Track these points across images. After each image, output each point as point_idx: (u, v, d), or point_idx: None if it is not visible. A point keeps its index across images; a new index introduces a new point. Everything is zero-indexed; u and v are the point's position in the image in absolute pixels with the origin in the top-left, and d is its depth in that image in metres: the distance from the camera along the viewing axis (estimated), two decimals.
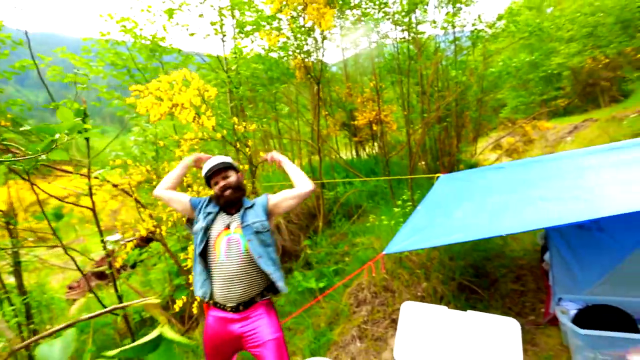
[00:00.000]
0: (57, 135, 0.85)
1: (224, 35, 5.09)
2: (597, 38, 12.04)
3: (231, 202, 1.95)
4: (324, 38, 5.37)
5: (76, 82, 3.15)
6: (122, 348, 0.45)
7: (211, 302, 1.88)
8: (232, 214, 1.95)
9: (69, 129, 0.85)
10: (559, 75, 14.25)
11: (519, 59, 8.49)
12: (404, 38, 7.80)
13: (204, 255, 1.88)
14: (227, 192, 1.93)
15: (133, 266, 5.46)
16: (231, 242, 1.86)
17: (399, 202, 4.04)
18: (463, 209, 2.75)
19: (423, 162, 7.44)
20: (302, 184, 2.02)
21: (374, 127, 7.18)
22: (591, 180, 2.29)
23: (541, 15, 18.67)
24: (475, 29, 8.76)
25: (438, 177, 3.69)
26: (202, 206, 1.99)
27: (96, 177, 2.86)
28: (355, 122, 7.32)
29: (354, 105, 7.53)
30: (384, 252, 2.72)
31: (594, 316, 2.35)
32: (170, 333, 0.46)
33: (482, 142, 10.91)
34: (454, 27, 8.36)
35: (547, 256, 3.26)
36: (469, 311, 2.08)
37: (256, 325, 1.84)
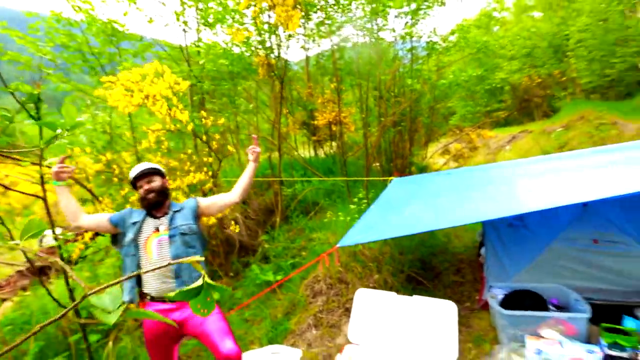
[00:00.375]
0: (58, 130, 0.92)
1: (186, 25, 5.02)
2: (534, 58, 13.49)
3: (154, 205, 2.04)
4: (289, 37, 5.50)
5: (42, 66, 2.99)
6: (177, 291, 0.58)
7: (147, 298, 1.97)
8: (159, 218, 2.04)
9: (71, 126, 0.93)
10: (502, 89, 15.70)
11: (467, 72, 9.26)
12: (365, 43, 8.15)
13: (136, 260, 1.96)
14: (151, 196, 2.03)
15: (75, 262, 5.17)
16: (162, 242, 1.97)
17: (355, 200, 4.31)
18: (412, 207, 3.06)
19: (378, 164, 7.85)
20: (239, 194, 2.15)
21: (333, 128, 7.45)
22: (518, 186, 2.71)
23: (488, 33, 20.36)
24: (430, 40, 9.39)
25: (391, 179, 4.02)
26: (124, 219, 2.05)
27: (48, 166, 2.74)
28: (315, 122, 7.53)
29: (315, 106, 7.74)
30: (338, 245, 2.96)
31: (516, 300, 2.77)
32: (210, 281, 0.59)
33: (433, 146, 11.70)
34: (411, 37, 8.91)
35: (483, 250, 3.71)
36: (414, 296, 2.37)
37: None
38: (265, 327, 3.31)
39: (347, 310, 3.22)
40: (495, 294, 2.94)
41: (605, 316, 2.48)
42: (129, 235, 1.97)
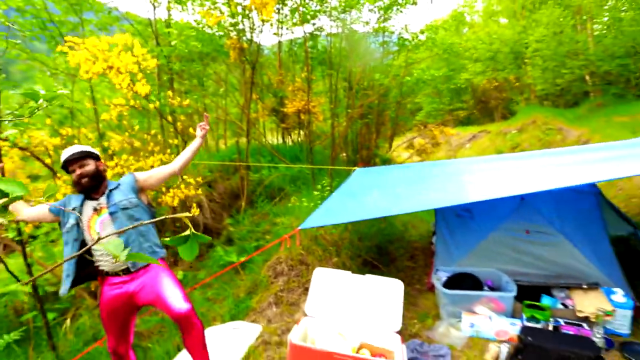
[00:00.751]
0: (40, 101, 1.01)
1: (155, 0, 4.89)
2: (497, 62, 14.33)
3: (89, 189, 2.03)
4: (263, 22, 5.53)
5: None
6: (171, 238, 0.71)
7: (103, 272, 2.01)
8: (97, 199, 2.04)
9: (50, 98, 1.02)
10: (466, 89, 16.53)
11: (431, 72, 9.70)
12: (338, 33, 8.26)
13: (78, 245, 1.97)
14: (84, 181, 1.99)
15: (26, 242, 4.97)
16: (104, 222, 2.00)
17: (319, 187, 4.52)
18: (372, 195, 3.32)
19: (344, 154, 8.11)
20: (179, 165, 2.25)
21: (302, 116, 7.57)
22: (467, 180, 3.02)
23: (457, 34, 21.18)
24: (401, 37, 9.68)
25: (355, 169, 4.26)
26: (63, 207, 2.03)
27: (6, 139, 2.67)
28: (285, 109, 7.61)
29: (285, 93, 7.80)
30: (299, 227, 3.17)
31: (457, 281, 3.12)
32: (194, 231, 0.72)
33: (398, 140, 12.19)
34: (383, 32, 9.16)
35: (434, 239, 4.07)
36: (367, 275, 2.63)
37: (147, 277, 2.05)
38: (228, 305, 3.46)
39: (307, 290, 3.43)
40: (440, 276, 3.28)
41: (528, 295, 2.89)
42: (71, 222, 1.97)
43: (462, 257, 3.47)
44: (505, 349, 2.48)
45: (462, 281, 3.14)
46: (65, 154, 2.02)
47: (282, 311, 3.25)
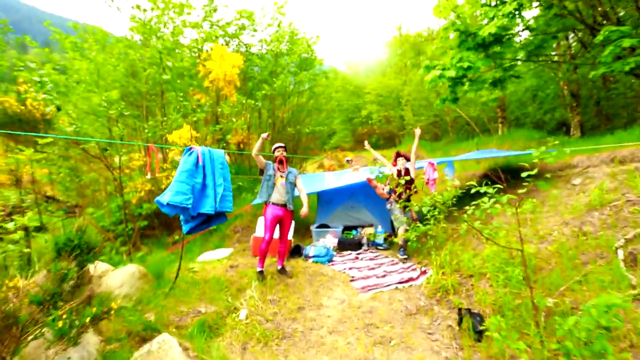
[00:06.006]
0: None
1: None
2: (388, 105, 20.54)
3: (281, 164, 5.37)
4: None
5: None
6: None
7: (272, 201, 5.30)
8: (283, 171, 5.33)
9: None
10: (367, 122, 22.56)
11: (342, 105, 14.81)
12: (266, 84, 12.86)
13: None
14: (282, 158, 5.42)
15: None
16: (283, 183, 5.19)
17: (256, 191, 8.96)
18: None
19: None
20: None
21: (241, 146, 11.91)
22: (328, 181, 7.79)
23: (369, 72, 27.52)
24: (314, 81, 14.72)
25: None
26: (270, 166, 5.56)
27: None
28: (229, 140, 11.89)
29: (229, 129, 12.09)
30: (251, 203, 7.62)
31: (320, 226, 7.82)
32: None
33: (312, 161, 17.13)
34: (301, 84, 14.02)
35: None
36: None
37: (288, 214, 5.54)
38: (212, 245, 7.64)
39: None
40: (314, 226, 7.95)
41: (348, 229, 7.73)
42: (270, 173, 5.42)
43: (325, 219, 8.22)
44: (332, 245, 7.19)
45: (322, 226, 7.86)
46: (276, 144, 5.46)
47: (241, 244, 7.58)
